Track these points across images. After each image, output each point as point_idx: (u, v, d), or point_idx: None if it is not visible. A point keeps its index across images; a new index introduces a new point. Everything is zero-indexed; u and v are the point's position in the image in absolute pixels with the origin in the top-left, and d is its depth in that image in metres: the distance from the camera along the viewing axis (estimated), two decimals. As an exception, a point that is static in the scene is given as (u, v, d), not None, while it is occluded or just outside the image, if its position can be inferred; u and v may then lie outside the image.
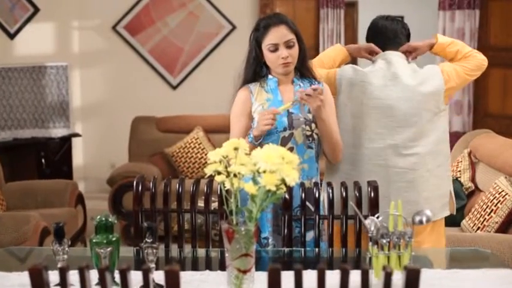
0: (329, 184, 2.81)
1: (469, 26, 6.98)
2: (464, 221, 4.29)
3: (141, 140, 6.39)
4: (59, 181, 5.49)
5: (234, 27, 7.41)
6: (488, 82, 6.95)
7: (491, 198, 4.08)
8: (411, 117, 3.11)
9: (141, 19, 7.39)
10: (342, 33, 7.38)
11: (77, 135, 6.83)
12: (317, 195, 2.79)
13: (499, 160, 4.34)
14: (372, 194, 2.74)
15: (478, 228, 4.05)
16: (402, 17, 3.58)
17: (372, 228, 2.34)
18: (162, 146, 6.29)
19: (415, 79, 3.15)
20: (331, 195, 2.77)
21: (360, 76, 3.17)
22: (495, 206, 4.01)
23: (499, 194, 4.04)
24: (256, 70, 3.00)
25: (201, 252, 2.83)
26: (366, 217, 2.69)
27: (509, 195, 3.97)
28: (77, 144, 7.32)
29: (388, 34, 3.23)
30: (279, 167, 2.07)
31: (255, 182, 2.10)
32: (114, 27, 7.42)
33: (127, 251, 2.88)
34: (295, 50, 2.94)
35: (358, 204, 2.74)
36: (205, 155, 6.10)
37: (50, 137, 6.62)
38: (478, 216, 4.11)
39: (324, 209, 2.90)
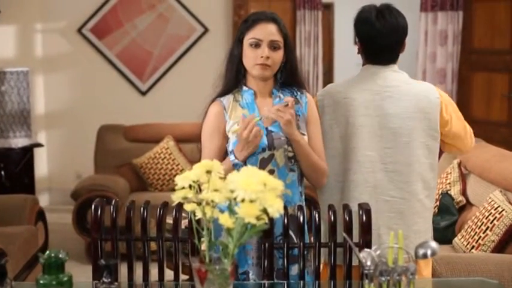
0: (315, 208, 2.49)
1: (452, 28, 6.80)
2: (456, 238, 3.99)
3: (107, 150, 6.09)
4: (16, 196, 5.10)
5: (206, 30, 7.19)
6: (472, 86, 6.78)
7: (487, 214, 3.78)
8: (401, 137, 2.74)
9: (108, 21, 7.19)
10: (319, 35, 7.18)
11: (39, 145, 6.46)
12: (301, 219, 2.47)
13: (492, 172, 4.05)
14: (364, 218, 2.43)
15: (473, 247, 3.76)
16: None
17: (369, 263, 2.02)
18: (130, 156, 6.00)
19: (407, 93, 2.77)
20: (317, 220, 2.45)
21: (343, 92, 2.79)
22: (491, 223, 3.71)
23: (494, 209, 3.75)
24: (238, 70, 2.66)
25: (170, 286, 2.54)
26: (357, 244, 2.41)
27: (506, 211, 3.68)
28: (40, 154, 7.07)
29: (378, 45, 2.79)
30: (260, 195, 1.75)
31: (232, 212, 1.78)
32: (79, 30, 7.20)
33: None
34: (279, 55, 2.60)
35: (348, 230, 2.43)
36: (176, 166, 5.86)
37: (10, 147, 6.24)
38: (472, 234, 3.81)
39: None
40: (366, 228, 2.42)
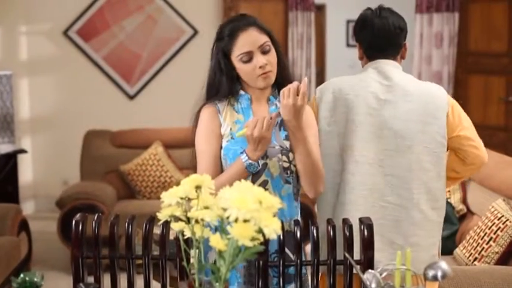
0: (312, 223, 2.30)
1: (447, 30, 6.70)
2: (458, 249, 3.83)
3: (94, 156, 5.93)
4: (-2, 206, 4.91)
5: (196, 32, 7.09)
6: (468, 90, 6.68)
7: (490, 224, 3.62)
8: (403, 140, 2.58)
9: (94, 23, 7.07)
10: (312, 37, 7.07)
11: (22, 151, 6.26)
12: (298, 235, 2.29)
13: (495, 180, 3.90)
14: (366, 234, 2.25)
15: (475, 259, 3.59)
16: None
17: (373, 286, 1.86)
18: (117, 162, 5.84)
19: (413, 94, 2.61)
20: (315, 235, 2.27)
21: (345, 89, 2.63)
22: (494, 233, 3.55)
23: (498, 219, 3.59)
24: (230, 87, 2.46)
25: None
26: (358, 262, 2.24)
27: (510, 221, 3.52)
28: (25, 160, 6.94)
29: (380, 39, 2.67)
30: (255, 214, 1.58)
31: (223, 231, 1.63)
32: (65, 32, 7.07)
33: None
34: (273, 55, 2.42)
35: (349, 246, 2.26)
36: (165, 172, 5.71)
37: (-7, 153, 6.05)
38: (475, 245, 3.65)
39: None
40: (368, 245, 2.24)
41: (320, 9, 9.58)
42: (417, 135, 2.57)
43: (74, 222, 2.36)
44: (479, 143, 2.69)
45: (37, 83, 7.11)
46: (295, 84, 2.30)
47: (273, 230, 1.57)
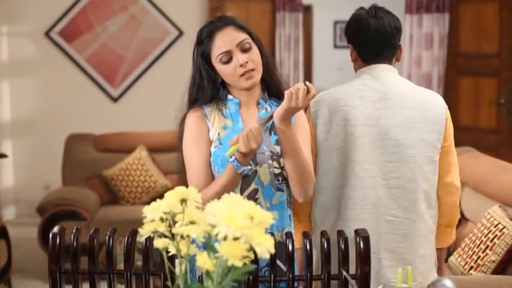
0: (306, 236, 2.18)
1: (437, 31, 6.61)
2: (453, 257, 3.72)
3: (76, 161, 5.81)
4: (-25, 213, 4.76)
5: (181, 33, 7.03)
6: (459, 92, 6.59)
7: (486, 231, 3.51)
8: (406, 149, 2.47)
9: (77, 24, 7.01)
10: (300, 38, 6.98)
11: (3, 155, 6.12)
12: (290, 248, 2.16)
13: (491, 186, 3.79)
14: (362, 246, 2.13)
15: (471, 267, 3.48)
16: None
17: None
18: (100, 167, 5.73)
19: (412, 100, 2.51)
20: (308, 248, 2.15)
21: (341, 100, 2.51)
22: (491, 241, 3.44)
23: (494, 227, 3.47)
24: (213, 95, 2.37)
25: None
26: (353, 277, 2.12)
27: (507, 229, 3.41)
28: (5, 164, 6.86)
29: (377, 41, 2.54)
30: (246, 231, 1.46)
31: (212, 250, 1.51)
32: (47, 33, 7.00)
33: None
34: (255, 53, 2.31)
35: (344, 260, 2.14)
36: (150, 177, 5.62)
37: (-29, 158, 5.92)
38: (471, 253, 3.53)
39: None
40: (364, 258, 2.13)
41: (307, 10, 9.47)
42: (419, 143, 2.48)
43: (51, 235, 2.24)
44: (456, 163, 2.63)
45: (18, 85, 7.04)
46: (303, 86, 2.16)
47: (266, 249, 1.45)
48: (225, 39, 2.30)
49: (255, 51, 2.32)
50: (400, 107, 2.48)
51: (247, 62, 2.28)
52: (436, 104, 2.53)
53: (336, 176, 2.50)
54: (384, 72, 2.54)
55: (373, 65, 2.54)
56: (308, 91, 2.16)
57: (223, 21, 2.34)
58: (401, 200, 2.48)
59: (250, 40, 2.32)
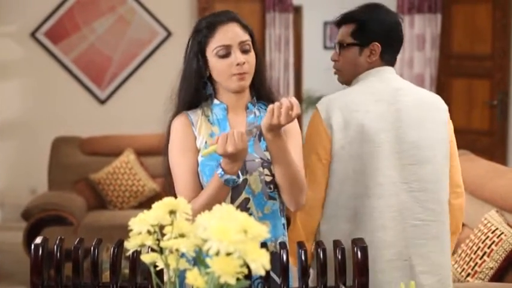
0: (301, 246, 2.09)
1: (430, 31, 6.59)
2: (449, 264, 3.64)
3: (62, 164, 5.74)
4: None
5: (169, 34, 6.98)
6: (452, 93, 6.55)
7: (483, 238, 3.43)
8: (424, 150, 2.42)
9: (64, 25, 6.95)
10: (290, 39, 6.93)
11: (-13, 158, 6.04)
12: (284, 259, 2.07)
13: (487, 190, 3.73)
14: (359, 257, 2.06)
15: (469, 274, 3.41)
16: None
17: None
18: (87, 171, 5.66)
19: (418, 102, 2.47)
20: (303, 258, 2.06)
21: (353, 105, 2.42)
22: (488, 248, 3.36)
23: (492, 232, 3.40)
24: (198, 89, 2.27)
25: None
26: None
27: (505, 235, 3.33)
28: None
29: (402, 41, 2.57)
30: (240, 246, 1.37)
31: (203, 265, 1.42)
32: (32, 34, 6.93)
33: None
34: (252, 57, 2.23)
35: (341, 271, 2.06)
36: (138, 181, 5.55)
37: (-45, 161, 5.83)
38: (468, 259, 3.46)
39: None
40: (362, 269, 2.06)
41: (297, 11, 9.41)
42: (435, 143, 2.45)
43: (33, 246, 2.15)
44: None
45: (3, 87, 6.97)
46: (286, 102, 2.05)
47: (261, 265, 1.36)
48: (228, 34, 2.21)
49: (253, 55, 2.24)
50: (410, 109, 2.43)
51: (244, 63, 2.19)
52: (438, 104, 2.51)
53: (350, 185, 2.41)
54: (390, 75, 2.49)
55: (380, 67, 2.49)
56: (292, 108, 2.06)
57: (228, 16, 2.25)
58: (425, 202, 2.42)
59: (250, 43, 2.25)
